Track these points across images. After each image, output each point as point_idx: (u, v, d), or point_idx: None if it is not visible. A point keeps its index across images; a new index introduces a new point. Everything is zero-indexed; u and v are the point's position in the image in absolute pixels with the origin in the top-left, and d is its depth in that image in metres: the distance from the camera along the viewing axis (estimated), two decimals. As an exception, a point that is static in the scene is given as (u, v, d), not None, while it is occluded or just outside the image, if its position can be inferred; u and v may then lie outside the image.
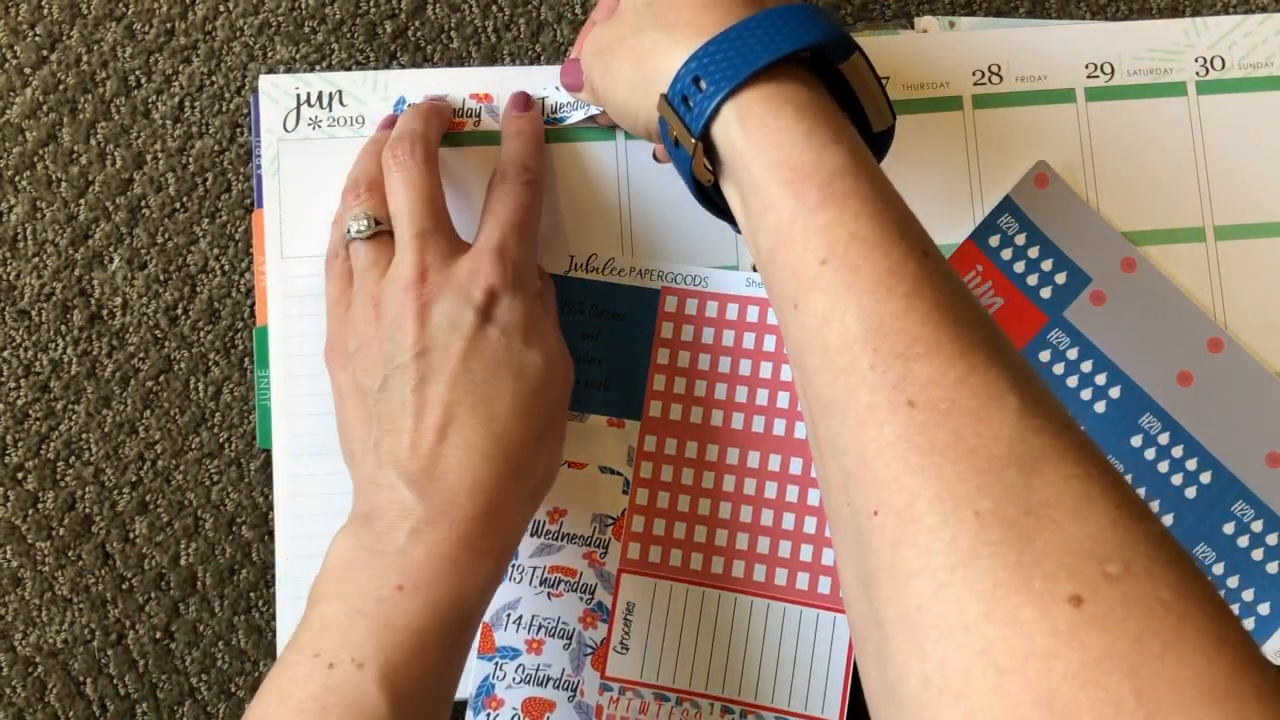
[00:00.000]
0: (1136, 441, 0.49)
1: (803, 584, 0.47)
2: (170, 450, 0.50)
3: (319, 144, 0.49)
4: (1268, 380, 0.49)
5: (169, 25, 0.51)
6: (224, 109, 0.51)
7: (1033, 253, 0.49)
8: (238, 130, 0.51)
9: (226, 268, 0.51)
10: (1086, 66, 0.51)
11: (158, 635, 0.49)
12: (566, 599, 0.48)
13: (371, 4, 0.52)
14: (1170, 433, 0.49)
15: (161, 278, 0.50)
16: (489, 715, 0.47)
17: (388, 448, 0.40)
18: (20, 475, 0.50)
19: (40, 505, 0.49)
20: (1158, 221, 0.50)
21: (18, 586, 0.49)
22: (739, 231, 0.39)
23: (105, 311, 0.50)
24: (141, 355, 0.50)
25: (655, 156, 0.49)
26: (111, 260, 0.50)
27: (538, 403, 0.41)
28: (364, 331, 0.42)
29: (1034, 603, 0.26)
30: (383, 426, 0.41)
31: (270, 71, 0.51)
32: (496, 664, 0.47)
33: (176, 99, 0.51)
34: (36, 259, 0.50)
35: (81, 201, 0.51)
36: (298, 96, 0.50)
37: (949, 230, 0.50)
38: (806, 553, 0.47)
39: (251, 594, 0.50)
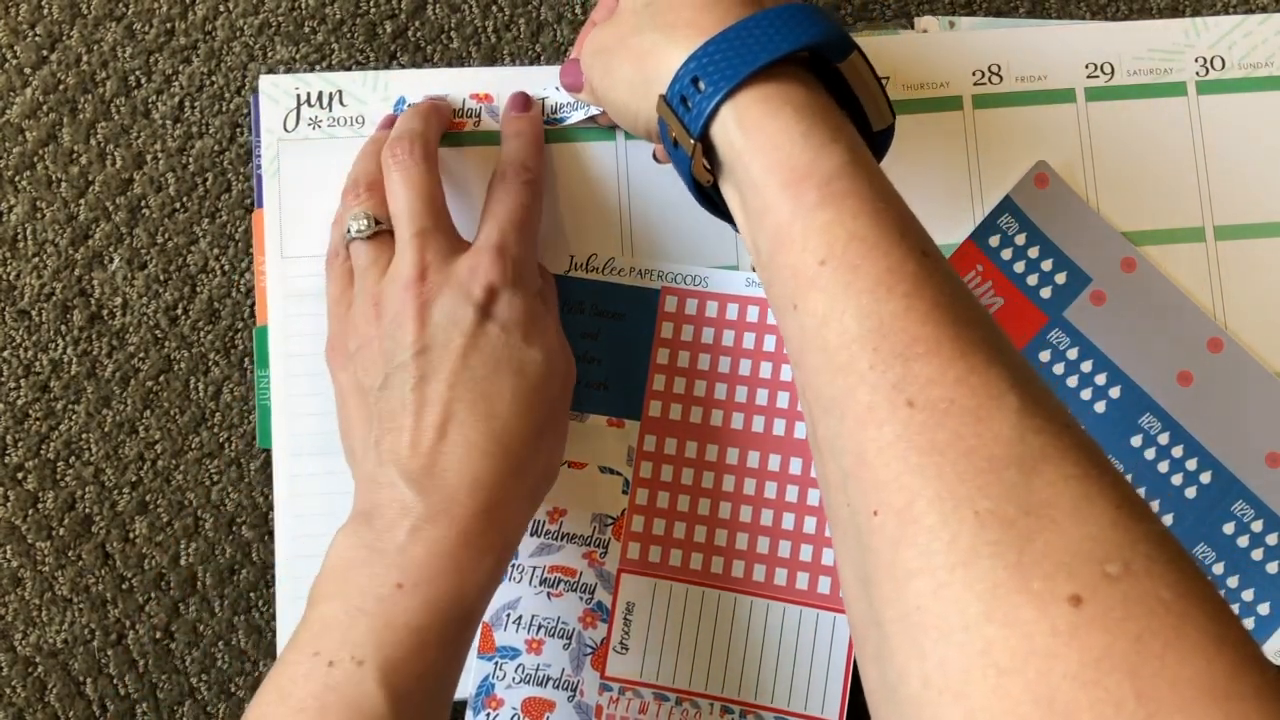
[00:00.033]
0: (1136, 441, 0.49)
1: (802, 584, 0.47)
2: (170, 450, 0.50)
3: (319, 144, 0.49)
4: (1268, 380, 0.49)
5: (169, 25, 0.51)
6: (224, 109, 0.51)
7: (1033, 253, 0.49)
8: (238, 130, 0.51)
9: (226, 268, 0.51)
10: (1086, 66, 0.51)
11: (158, 635, 0.49)
12: (566, 599, 0.48)
13: (371, 4, 0.52)
14: (1170, 433, 0.49)
15: (161, 278, 0.50)
16: (489, 715, 0.47)
17: (388, 446, 0.40)
18: (20, 475, 0.50)
19: (40, 505, 0.49)
20: (1158, 221, 0.50)
21: (18, 586, 0.49)
22: (739, 232, 0.39)
23: (105, 311, 0.50)
24: (141, 355, 0.50)
25: (655, 157, 0.49)
26: (111, 260, 0.50)
27: (538, 399, 0.41)
28: (364, 331, 0.42)
29: (1034, 603, 0.26)
30: (383, 425, 0.41)
31: (270, 71, 0.51)
32: (496, 664, 0.47)
33: (176, 99, 0.51)
34: (36, 259, 0.50)
35: (81, 201, 0.51)
36: (298, 96, 0.50)
37: (949, 230, 0.50)
38: (806, 553, 0.47)
39: (251, 594, 0.50)
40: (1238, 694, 0.25)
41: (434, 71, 0.50)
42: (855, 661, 0.46)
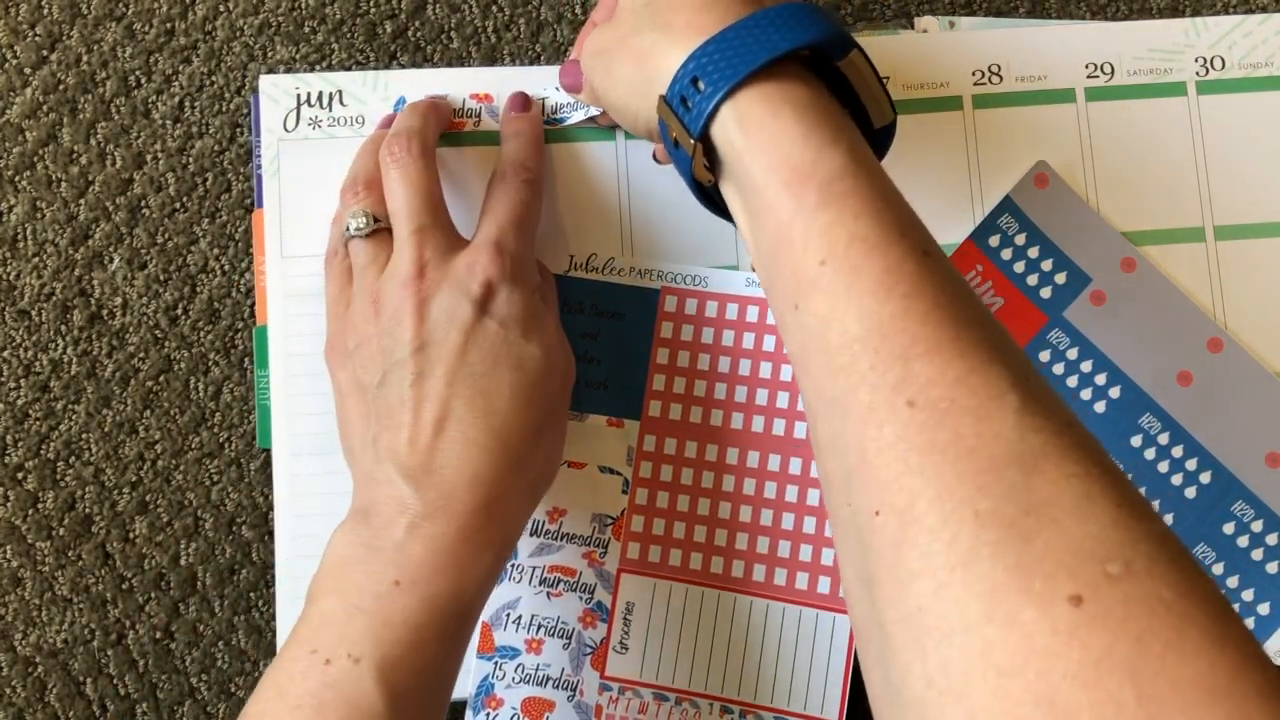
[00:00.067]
0: (1136, 441, 0.49)
1: (802, 584, 0.47)
2: (170, 450, 0.50)
3: (319, 144, 0.49)
4: (1268, 380, 0.49)
5: (169, 25, 0.51)
6: (224, 109, 0.51)
7: (1033, 253, 0.49)
8: (238, 130, 0.51)
9: (226, 268, 0.51)
10: (1086, 66, 0.51)
11: (158, 635, 0.49)
12: (566, 599, 0.48)
13: (371, 4, 0.52)
14: (1170, 433, 0.48)
15: (161, 278, 0.50)
16: (488, 715, 0.47)
17: (386, 443, 0.40)
18: (20, 475, 0.50)
19: (40, 505, 0.49)
20: (1158, 221, 0.50)
21: (18, 586, 0.49)
22: (740, 231, 0.39)
23: (105, 311, 0.50)
24: (141, 355, 0.50)
25: (655, 157, 0.49)
26: (111, 260, 0.50)
27: (537, 395, 0.41)
28: (363, 328, 0.42)
29: (1034, 603, 0.26)
30: (381, 422, 0.41)
31: (270, 71, 0.51)
32: (496, 663, 0.47)
33: (176, 99, 0.51)
34: (36, 259, 0.50)
35: (81, 201, 0.50)
36: (298, 96, 0.50)
37: (949, 230, 0.50)
38: (806, 553, 0.47)
39: (251, 594, 0.49)
40: (1240, 694, 0.25)
41: (434, 71, 0.50)
42: (855, 662, 0.46)
